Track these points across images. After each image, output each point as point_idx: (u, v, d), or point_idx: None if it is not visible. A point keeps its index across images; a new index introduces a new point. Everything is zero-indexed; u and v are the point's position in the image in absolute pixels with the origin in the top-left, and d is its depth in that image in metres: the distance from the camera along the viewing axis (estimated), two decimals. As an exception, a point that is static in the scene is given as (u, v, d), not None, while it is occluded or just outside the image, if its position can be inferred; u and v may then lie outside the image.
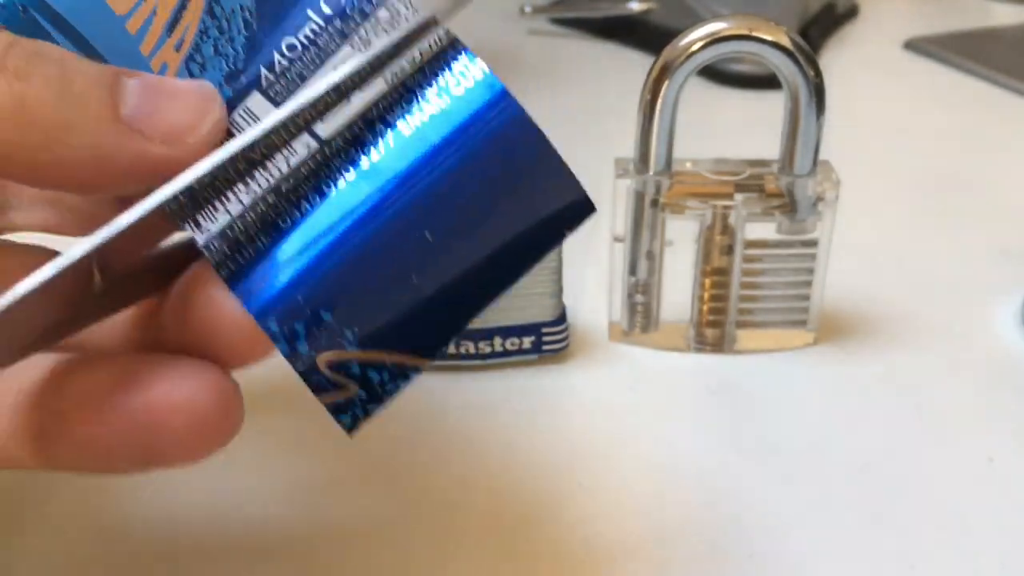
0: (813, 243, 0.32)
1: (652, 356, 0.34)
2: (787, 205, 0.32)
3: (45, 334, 0.19)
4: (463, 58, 0.20)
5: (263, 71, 0.20)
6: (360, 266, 0.19)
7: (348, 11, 0.20)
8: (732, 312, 0.34)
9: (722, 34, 0.30)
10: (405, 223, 0.19)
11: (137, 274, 0.20)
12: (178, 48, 0.20)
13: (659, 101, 0.31)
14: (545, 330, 0.33)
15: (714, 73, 0.58)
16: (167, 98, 0.19)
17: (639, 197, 0.32)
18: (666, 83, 0.30)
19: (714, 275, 0.33)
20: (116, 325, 0.21)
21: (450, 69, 0.20)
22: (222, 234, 0.19)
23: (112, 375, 0.19)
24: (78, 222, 0.25)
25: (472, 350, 0.33)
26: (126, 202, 0.22)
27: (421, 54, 0.20)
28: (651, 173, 0.32)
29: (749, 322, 0.34)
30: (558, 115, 0.54)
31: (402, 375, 0.19)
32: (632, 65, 0.61)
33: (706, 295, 0.33)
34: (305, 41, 0.20)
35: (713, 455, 0.30)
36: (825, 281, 0.33)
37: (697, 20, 0.30)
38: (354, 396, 0.19)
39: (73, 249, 0.17)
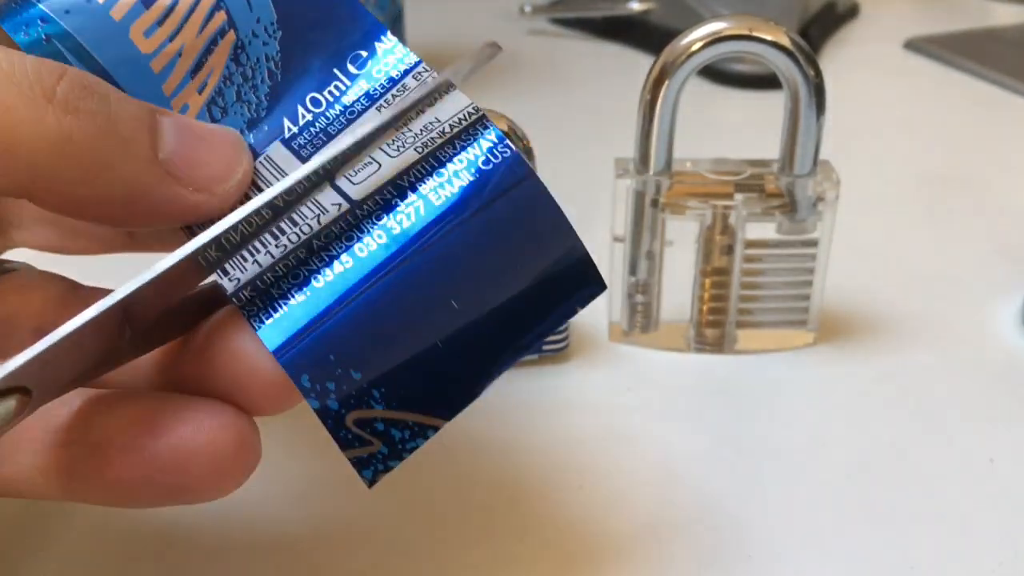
0: (813, 243, 0.32)
1: (652, 356, 0.34)
2: (787, 205, 0.32)
3: (77, 375, 0.19)
4: (491, 134, 0.21)
5: (286, 122, 0.21)
6: (389, 328, 0.20)
7: (375, 74, 0.21)
8: (732, 312, 0.34)
9: (722, 34, 0.30)
10: (431, 289, 0.20)
11: (163, 319, 0.20)
12: (200, 91, 0.21)
13: (659, 101, 0.31)
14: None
15: (714, 73, 0.58)
16: (199, 143, 0.20)
17: (639, 197, 0.32)
18: (666, 83, 0.30)
19: (714, 275, 0.33)
20: (139, 364, 0.21)
21: (478, 144, 0.20)
22: (252, 284, 0.19)
23: (137, 416, 0.20)
24: (79, 242, 0.26)
25: (472, 350, 0.32)
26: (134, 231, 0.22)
27: (451, 127, 0.21)
28: (651, 173, 0.32)
29: (749, 322, 0.34)
30: (558, 115, 0.54)
31: (422, 434, 0.20)
32: (632, 65, 0.61)
33: (706, 295, 0.33)
34: (330, 98, 0.21)
35: (713, 455, 0.30)
36: (825, 281, 0.33)
37: (697, 20, 0.30)
38: (376, 452, 0.20)
39: (106, 299, 0.18)
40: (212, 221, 0.19)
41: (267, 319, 0.19)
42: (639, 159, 0.32)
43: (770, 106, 0.35)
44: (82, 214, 0.19)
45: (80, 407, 0.20)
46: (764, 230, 0.32)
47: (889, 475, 0.29)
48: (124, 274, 0.18)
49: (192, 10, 0.21)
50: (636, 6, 0.63)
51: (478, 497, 0.28)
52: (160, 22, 0.21)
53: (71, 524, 0.27)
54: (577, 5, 0.66)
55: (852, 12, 0.71)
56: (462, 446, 0.30)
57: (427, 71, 0.21)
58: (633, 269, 0.33)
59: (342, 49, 0.21)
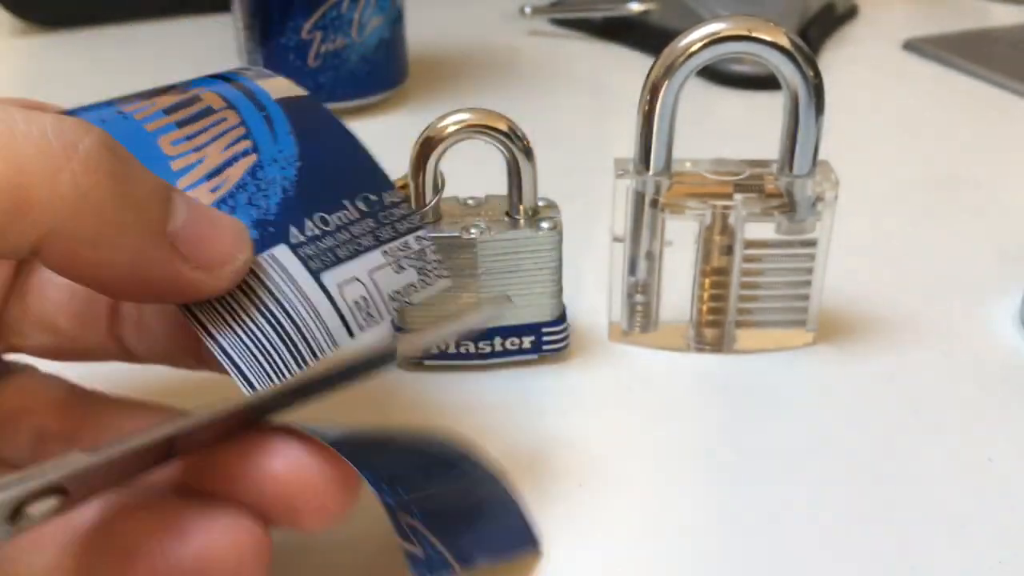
0: (812, 243, 0.32)
1: (652, 356, 0.34)
2: (786, 205, 0.32)
3: (113, 482, 0.20)
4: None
5: (293, 230, 0.22)
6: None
7: (383, 219, 0.24)
8: (731, 312, 0.34)
9: (721, 35, 0.30)
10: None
11: (204, 438, 0.22)
12: (214, 191, 0.22)
13: (659, 101, 0.31)
14: (545, 330, 0.33)
15: (714, 73, 0.58)
16: (208, 225, 0.20)
17: (639, 197, 0.32)
18: (666, 83, 0.30)
19: (713, 275, 0.33)
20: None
21: None
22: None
23: (158, 523, 0.20)
24: (73, 351, 0.26)
25: (472, 350, 0.33)
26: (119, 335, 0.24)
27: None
28: (651, 173, 0.32)
29: (748, 322, 0.34)
30: (558, 115, 0.54)
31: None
32: (632, 66, 0.61)
33: (705, 295, 0.34)
34: (339, 223, 0.23)
35: (713, 455, 0.30)
36: (824, 281, 0.33)
37: (697, 21, 0.30)
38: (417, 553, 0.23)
39: (159, 428, 0.19)
40: (206, 302, 0.21)
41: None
42: (639, 159, 0.32)
43: (769, 107, 0.36)
44: (85, 277, 0.19)
45: (103, 512, 0.21)
46: (763, 230, 0.32)
47: (888, 474, 0.29)
48: (123, 375, 0.19)
49: (221, 135, 0.23)
50: (636, 7, 0.63)
51: (478, 497, 0.28)
52: (189, 138, 0.23)
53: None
54: (577, 6, 0.66)
55: (851, 13, 0.71)
56: (462, 446, 0.30)
57: (427, 239, 0.24)
58: (633, 269, 0.33)
59: (354, 189, 0.24)
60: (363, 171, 0.24)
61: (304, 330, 0.21)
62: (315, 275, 0.22)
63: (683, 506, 0.28)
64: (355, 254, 0.23)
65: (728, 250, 0.33)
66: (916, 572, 0.26)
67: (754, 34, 0.30)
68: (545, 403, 0.32)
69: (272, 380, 0.21)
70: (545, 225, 0.31)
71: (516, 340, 0.33)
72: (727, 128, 0.53)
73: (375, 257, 0.23)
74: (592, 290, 0.37)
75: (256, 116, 0.24)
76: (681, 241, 0.33)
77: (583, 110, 0.55)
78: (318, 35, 0.50)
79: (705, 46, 0.30)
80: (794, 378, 0.33)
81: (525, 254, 0.32)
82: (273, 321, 0.21)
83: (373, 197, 0.24)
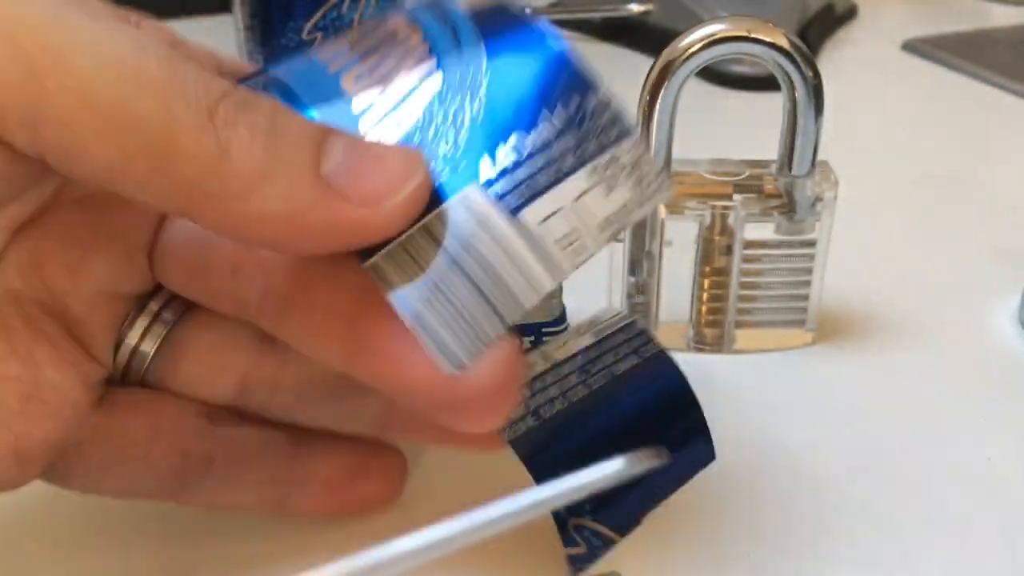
0: (811, 243, 0.33)
1: (651, 356, 0.34)
2: (786, 206, 0.32)
3: None
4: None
5: (484, 160, 0.19)
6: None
7: (587, 130, 0.20)
8: (731, 312, 0.34)
9: (721, 35, 0.30)
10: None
11: None
12: (399, 125, 0.20)
13: (658, 102, 0.31)
14: (545, 330, 0.33)
15: (713, 74, 0.58)
16: (372, 159, 0.19)
17: (638, 198, 0.32)
18: (665, 84, 0.30)
19: (713, 275, 0.33)
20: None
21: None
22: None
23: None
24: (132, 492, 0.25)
25: (472, 350, 0.33)
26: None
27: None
28: (650, 174, 0.32)
29: (748, 322, 0.34)
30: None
31: (607, 545, 0.24)
32: (631, 66, 0.61)
33: (705, 295, 0.34)
34: (536, 144, 0.20)
35: (712, 454, 0.30)
36: (823, 281, 0.33)
37: (696, 22, 0.30)
38: (583, 553, 0.24)
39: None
40: (380, 244, 0.18)
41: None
42: (638, 160, 0.32)
43: (769, 107, 0.36)
44: (240, 233, 0.18)
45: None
46: (763, 230, 0.32)
47: (887, 474, 0.29)
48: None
49: (404, 60, 0.20)
50: (635, 8, 0.63)
51: (478, 496, 0.28)
52: (372, 70, 0.20)
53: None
54: (577, 7, 0.66)
55: (850, 13, 0.71)
56: (462, 446, 0.30)
57: (641, 146, 0.20)
58: (632, 269, 0.33)
59: (551, 97, 0.20)
60: (560, 72, 0.20)
61: (505, 283, 0.19)
62: (513, 214, 0.19)
63: (681, 506, 0.28)
64: (557, 180, 0.19)
65: (728, 250, 0.33)
66: (916, 572, 0.26)
67: (753, 35, 0.30)
68: (545, 403, 0.32)
69: (470, 348, 0.19)
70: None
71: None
72: (726, 129, 0.53)
73: (580, 179, 0.19)
74: (592, 290, 0.37)
75: (440, 30, 0.21)
76: (681, 241, 0.33)
77: (583, 111, 0.55)
78: (318, 36, 0.50)
79: (704, 47, 0.30)
80: (793, 378, 0.33)
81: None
82: (469, 275, 0.19)
83: (573, 104, 0.20)
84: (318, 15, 0.51)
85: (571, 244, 0.19)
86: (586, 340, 0.26)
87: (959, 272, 0.39)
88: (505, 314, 0.19)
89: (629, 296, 0.34)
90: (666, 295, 0.34)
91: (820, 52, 0.64)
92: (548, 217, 0.19)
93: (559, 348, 0.26)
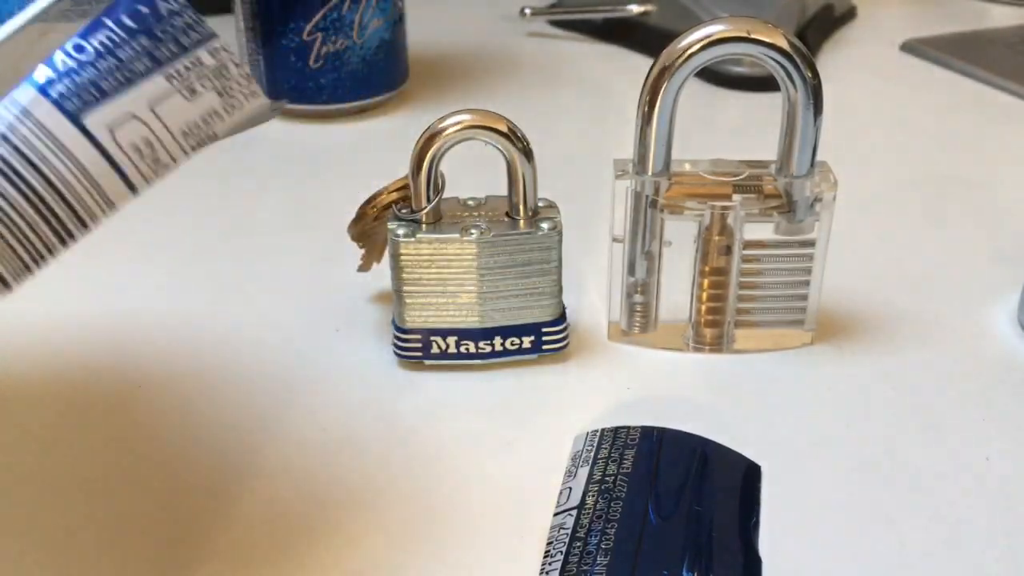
0: (811, 243, 0.33)
1: (651, 356, 0.34)
2: (785, 206, 0.32)
3: None
4: None
5: (40, 66, 0.18)
6: None
7: (161, 34, 0.19)
8: (730, 312, 0.34)
9: (720, 36, 0.30)
10: None
11: None
12: None
13: (658, 102, 0.31)
14: (545, 330, 0.33)
15: (712, 74, 0.58)
16: None
17: (638, 198, 0.32)
18: (665, 85, 0.31)
19: (712, 275, 0.33)
20: None
21: None
22: None
23: None
24: None
25: (472, 350, 0.33)
26: None
27: None
28: (650, 174, 0.32)
29: (747, 322, 0.34)
30: (558, 116, 0.55)
31: None
32: (631, 67, 0.61)
33: (704, 295, 0.34)
34: (99, 47, 0.18)
35: (712, 454, 0.30)
36: (823, 281, 0.33)
37: (695, 22, 0.31)
38: None
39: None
40: None
41: None
42: (638, 160, 0.32)
43: (768, 107, 0.36)
44: None
45: None
46: (762, 231, 0.33)
47: (886, 474, 0.29)
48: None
49: None
50: (635, 8, 0.63)
51: (478, 495, 0.28)
52: None
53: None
54: (577, 7, 0.66)
55: (849, 14, 0.71)
56: (462, 445, 0.30)
57: (226, 50, 0.19)
58: (632, 269, 0.33)
59: (117, 4, 0.19)
60: None
61: (68, 195, 0.18)
62: (73, 118, 0.18)
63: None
64: (125, 84, 0.18)
65: (727, 250, 0.33)
66: (915, 572, 0.26)
67: (753, 36, 0.30)
68: (545, 403, 0.32)
69: (31, 269, 0.18)
70: (545, 225, 0.32)
71: (516, 340, 0.33)
72: (726, 129, 0.53)
73: (155, 84, 0.18)
74: (592, 290, 0.38)
75: None
76: (680, 241, 0.33)
77: (583, 111, 0.55)
78: (319, 36, 0.51)
79: (704, 47, 0.30)
80: (792, 378, 0.33)
81: (525, 254, 0.32)
82: (26, 190, 0.18)
83: (144, 9, 0.18)
84: (318, 16, 0.51)
85: (150, 152, 0.18)
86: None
87: (958, 272, 0.39)
88: (73, 229, 0.18)
89: (628, 296, 0.34)
90: (665, 295, 0.34)
91: (819, 53, 0.64)
92: (117, 122, 0.18)
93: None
